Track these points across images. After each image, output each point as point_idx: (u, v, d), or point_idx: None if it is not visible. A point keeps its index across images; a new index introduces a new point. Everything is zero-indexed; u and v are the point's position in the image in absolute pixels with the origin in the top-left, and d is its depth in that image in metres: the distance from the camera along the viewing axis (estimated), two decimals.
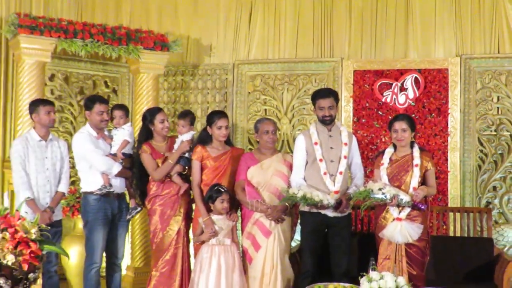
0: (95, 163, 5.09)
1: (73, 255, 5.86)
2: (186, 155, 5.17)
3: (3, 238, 3.03)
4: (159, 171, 5.12)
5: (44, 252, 3.15)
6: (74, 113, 7.02)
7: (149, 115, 5.24)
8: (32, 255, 3.04)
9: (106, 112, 5.22)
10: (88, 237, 5.16)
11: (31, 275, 3.09)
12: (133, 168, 5.26)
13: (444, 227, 6.16)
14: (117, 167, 5.11)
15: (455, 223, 6.10)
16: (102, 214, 5.10)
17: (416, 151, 4.85)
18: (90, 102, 5.22)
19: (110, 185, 5.11)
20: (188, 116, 5.32)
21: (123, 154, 5.20)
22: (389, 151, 4.95)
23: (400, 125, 4.84)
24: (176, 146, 5.19)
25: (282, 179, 5.01)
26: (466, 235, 5.98)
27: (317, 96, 5.05)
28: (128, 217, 5.31)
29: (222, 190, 4.90)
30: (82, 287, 5.27)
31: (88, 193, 5.13)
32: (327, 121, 4.98)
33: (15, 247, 3.02)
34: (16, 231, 3.06)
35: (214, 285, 4.77)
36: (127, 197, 5.39)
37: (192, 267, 5.15)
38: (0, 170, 6.34)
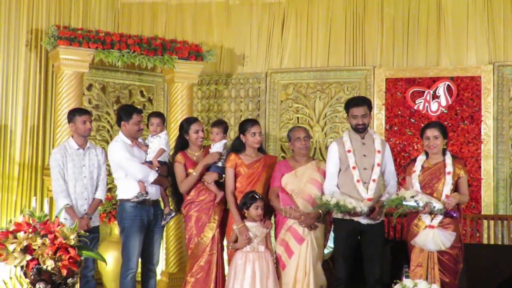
0: (131, 171, 5.15)
1: (109, 261, 5.94)
2: (220, 163, 5.24)
3: (43, 243, 3.12)
4: (184, 183, 5.21)
5: (82, 258, 3.22)
6: (111, 122, 7.16)
7: (185, 125, 5.33)
8: (70, 260, 3.11)
9: (142, 121, 5.33)
10: (124, 244, 5.23)
11: (69, 280, 3.17)
12: (169, 175, 5.36)
13: (478, 234, 6.12)
14: (153, 175, 5.17)
15: (489, 231, 6.06)
16: (139, 221, 5.17)
17: (449, 158, 4.85)
18: (127, 112, 5.28)
19: (147, 193, 5.17)
20: (221, 124, 5.40)
21: (159, 162, 5.28)
22: (421, 158, 4.95)
23: (432, 133, 4.84)
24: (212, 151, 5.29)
25: (316, 187, 5.04)
26: (500, 243, 5.93)
27: (350, 104, 5.06)
28: (163, 222, 5.36)
29: (257, 197, 4.93)
30: None
31: (125, 200, 5.20)
32: (360, 129, 5.00)
33: (55, 253, 3.10)
34: (55, 237, 3.13)
35: None
36: (162, 203, 5.48)
37: (226, 273, 5.21)
38: (40, 178, 6.53)
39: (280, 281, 4.94)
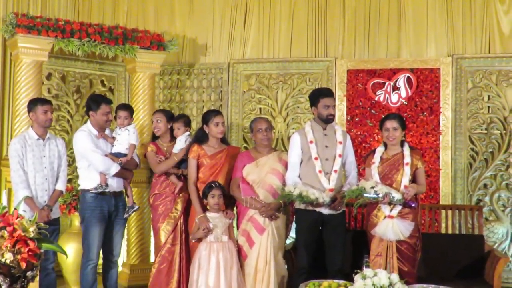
0: (93, 162, 5.13)
1: (69, 252, 5.87)
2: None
3: (2, 236, 3.05)
4: (163, 164, 5.35)
5: (42, 250, 3.18)
6: (71, 112, 7.06)
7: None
8: (30, 253, 3.05)
9: (111, 112, 5.29)
10: (84, 234, 5.22)
11: (29, 273, 3.11)
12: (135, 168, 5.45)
13: (436, 224, 6.23)
14: (115, 168, 5.15)
15: (447, 221, 6.16)
16: (99, 211, 5.15)
17: (407, 149, 4.94)
18: (96, 102, 5.24)
19: (106, 185, 5.15)
20: (182, 118, 5.50)
21: (119, 154, 5.25)
22: (380, 150, 5.02)
23: (391, 124, 4.92)
24: (174, 149, 5.30)
25: (277, 177, 5.08)
26: (457, 232, 6.04)
27: (322, 94, 5.08)
28: (125, 215, 5.35)
29: (213, 186, 4.97)
30: (79, 284, 5.33)
31: (86, 190, 5.18)
32: (331, 120, 5.05)
33: (14, 245, 3.04)
34: (14, 230, 3.07)
35: (213, 282, 4.82)
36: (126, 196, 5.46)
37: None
38: None
39: (242, 270, 4.98)
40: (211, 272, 4.84)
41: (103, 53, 6.46)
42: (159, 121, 5.47)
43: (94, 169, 5.14)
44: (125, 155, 5.26)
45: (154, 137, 5.57)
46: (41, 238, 3.20)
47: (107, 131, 5.37)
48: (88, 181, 5.19)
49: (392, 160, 4.93)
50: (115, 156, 5.22)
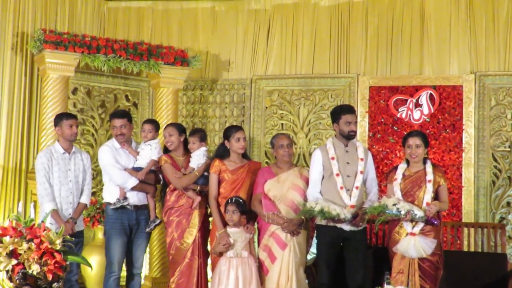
0: (112, 176, 5.23)
1: (92, 265, 5.95)
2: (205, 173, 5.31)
3: (29, 248, 3.13)
4: (185, 178, 5.27)
5: (67, 263, 3.24)
6: (95, 126, 7.16)
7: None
8: (56, 265, 3.12)
9: (119, 126, 5.32)
10: (106, 246, 5.31)
11: (54, 285, 3.17)
12: (157, 183, 5.45)
13: (458, 242, 6.19)
14: (132, 182, 5.21)
15: (469, 238, 6.13)
16: (119, 224, 5.22)
17: (429, 166, 4.93)
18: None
19: (125, 199, 5.22)
20: (197, 133, 5.45)
21: (138, 169, 5.29)
22: (402, 166, 5.03)
23: (414, 141, 4.92)
24: (191, 163, 5.32)
25: (298, 193, 5.10)
26: (480, 250, 6.00)
27: (343, 111, 5.09)
28: (147, 229, 5.39)
29: (229, 201, 5.00)
30: None
31: (107, 203, 5.29)
32: (352, 136, 5.06)
33: (40, 257, 3.11)
34: (41, 242, 3.15)
35: None
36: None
37: (209, 279, 5.24)
38: (24, 181, 6.51)
39: (263, 286, 4.98)
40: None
41: (128, 68, 6.56)
42: (171, 135, 5.39)
43: (113, 183, 5.23)
44: (152, 171, 5.33)
45: (166, 150, 5.50)
46: (67, 251, 3.26)
47: (133, 145, 5.44)
48: (109, 194, 5.29)
49: (415, 177, 4.93)
50: (136, 170, 5.28)
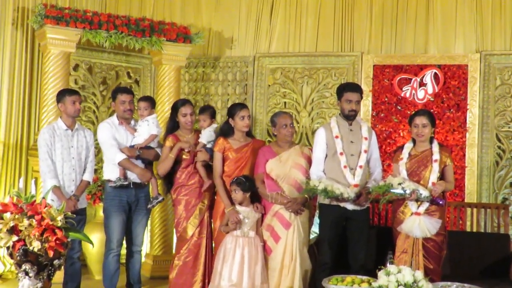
0: (104, 151, 5.31)
1: (94, 242, 5.95)
2: (209, 145, 5.25)
3: (30, 225, 3.10)
4: (160, 165, 5.24)
5: (69, 240, 3.22)
6: (97, 103, 7.13)
7: (174, 107, 5.33)
8: (57, 242, 3.09)
9: (128, 101, 5.32)
10: (105, 223, 5.33)
11: (56, 262, 3.15)
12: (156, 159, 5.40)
13: (461, 222, 6.19)
14: (119, 157, 5.17)
15: (472, 219, 6.13)
16: (117, 201, 5.24)
17: (435, 146, 4.89)
18: (114, 92, 5.42)
19: (125, 178, 5.22)
20: (207, 110, 5.40)
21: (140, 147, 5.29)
22: (408, 146, 4.98)
23: (421, 120, 4.87)
24: (201, 139, 5.27)
25: (301, 171, 5.06)
26: (482, 231, 6.00)
27: (346, 88, 5.04)
28: (149, 206, 5.38)
29: (232, 181, 4.99)
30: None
31: (107, 181, 5.30)
32: (351, 116, 5.00)
33: (41, 234, 3.08)
34: (42, 218, 3.11)
35: (237, 276, 4.80)
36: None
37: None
38: (25, 158, 6.48)
39: (266, 266, 4.96)
40: (235, 267, 4.83)
41: (130, 45, 6.51)
42: (192, 114, 5.30)
43: (105, 158, 5.31)
44: (149, 147, 5.30)
45: (170, 130, 5.38)
46: (68, 228, 3.24)
47: (132, 123, 5.40)
48: (109, 172, 5.29)
49: (421, 156, 4.89)
50: (133, 147, 5.26)
